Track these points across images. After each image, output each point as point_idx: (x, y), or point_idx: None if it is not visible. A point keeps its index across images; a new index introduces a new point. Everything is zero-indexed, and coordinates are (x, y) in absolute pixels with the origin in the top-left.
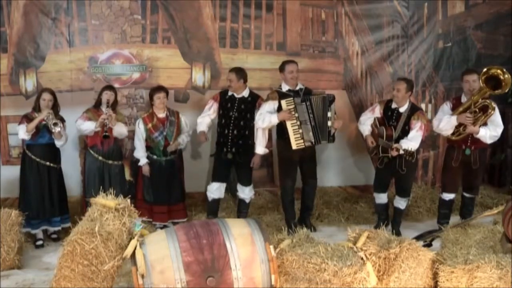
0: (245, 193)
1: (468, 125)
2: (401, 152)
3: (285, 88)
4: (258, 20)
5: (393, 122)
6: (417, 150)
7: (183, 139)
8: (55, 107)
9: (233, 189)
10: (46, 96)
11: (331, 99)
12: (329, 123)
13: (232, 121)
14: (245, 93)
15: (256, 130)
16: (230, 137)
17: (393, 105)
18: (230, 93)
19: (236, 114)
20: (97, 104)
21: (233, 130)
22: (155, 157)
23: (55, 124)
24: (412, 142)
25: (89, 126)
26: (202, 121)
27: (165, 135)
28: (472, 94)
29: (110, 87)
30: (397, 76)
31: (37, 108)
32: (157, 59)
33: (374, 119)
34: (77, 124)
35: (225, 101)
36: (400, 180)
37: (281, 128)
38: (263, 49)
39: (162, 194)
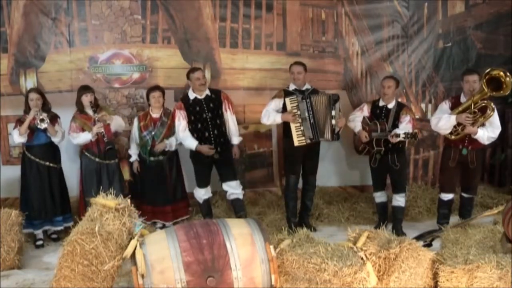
0: (235, 187)
1: (467, 125)
2: (402, 137)
3: (292, 87)
4: (258, 20)
5: (383, 118)
6: (417, 149)
7: (172, 141)
8: (45, 106)
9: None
10: (32, 96)
11: (335, 98)
12: (333, 122)
13: (209, 122)
14: (208, 92)
15: (228, 124)
16: (212, 138)
17: (381, 103)
18: (192, 97)
19: (210, 114)
20: (80, 107)
21: (213, 130)
22: (143, 156)
23: (42, 121)
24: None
25: (85, 138)
26: (186, 135)
27: (153, 135)
28: (472, 95)
29: (86, 88)
30: (397, 76)
31: (27, 110)
32: (157, 59)
33: (363, 117)
34: (71, 138)
35: (192, 106)
36: (394, 176)
37: (286, 126)
38: (263, 49)
39: (149, 193)
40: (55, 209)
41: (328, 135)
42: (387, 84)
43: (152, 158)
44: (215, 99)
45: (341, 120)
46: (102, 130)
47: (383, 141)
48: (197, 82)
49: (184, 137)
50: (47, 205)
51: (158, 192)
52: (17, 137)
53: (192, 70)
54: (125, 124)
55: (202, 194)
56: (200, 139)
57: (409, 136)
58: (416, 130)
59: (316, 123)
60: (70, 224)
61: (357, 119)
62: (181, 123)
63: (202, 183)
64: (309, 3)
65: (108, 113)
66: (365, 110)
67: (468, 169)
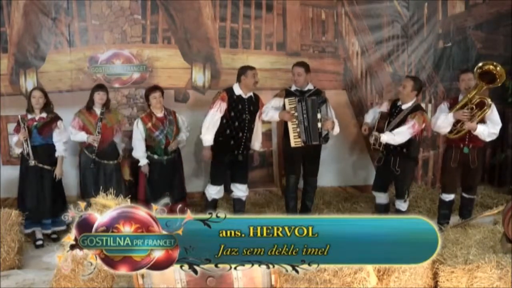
0: (243, 190)
1: (465, 121)
2: (372, 139)
3: (293, 88)
4: (258, 20)
5: (394, 118)
6: (417, 150)
7: (183, 137)
8: (47, 105)
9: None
10: (36, 94)
11: (320, 101)
12: (319, 125)
13: (246, 125)
14: (251, 93)
15: (256, 128)
16: (244, 140)
17: (399, 103)
18: (238, 93)
19: (249, 117)
20: (90, 105)
21: (247, 133)
22: (156, 156)
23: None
24: (395, 136)
25: (81, 139)
26: (208, 129)
27: (165, 134)
28: (468, 92)
29: (101, 87)
30: (397, 76)
31: (30, 109)
32: (157, 59)
33: (380, 112)
34: (69, 130)
35: (235, 102)
36: (396, 180)
37: (286, 126)
38: (263, 49)
39: (164, 193)
40: (44, 212)
41: (316, 138)
42: (403, 83)
43: (166, 157)
44: (255, 103)
45: (327, 122)
46: (96, 145)
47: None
48: (252, 79)
49: (209, 128)
50: (39, 207)
51: (174, 190)
52: (15, 149)
53: (251, 67)
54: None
55: (214, 192)
56: (232, 137)
57: (375, 140)
58: (381, 138)
59: (309, 127)
60: (61, 228)
61: (370, 112)
62: (215, 115)
63: (216, 181)
64: (309, 3)
65: (117, 117)
66: (384, 106)
67: (469, 169)
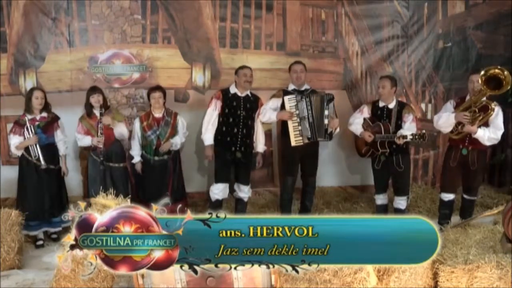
0: (245, 192)
1: (465, 123)
2: (409, 138)
3: (291, 87)
4: (258, 20)
5: (385, 119)
6: (417, 150)
7: (177, 140)
8: (46, 106)
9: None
10: (38, 94)
11: (329, 98)
12: (326, 121)
13: (241, 120)
14: (248, 92)
15: (257, 129)
16: (240, 136)
17: (381, 104)
18: (233, 91)
19: (244, 113)
20: (88, 109)
21: (243, 129)
22: (147, 156)
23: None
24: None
25: (87, 143)
26: (208, 129)
27: (158, 135)
28: (473, 94)
29: (93, 89)
30: (397, 76)
31: (30, 109)
32: (157, 59)
33: (364, 119)
34: (76, 137)
35: (230, 100)
36: (397, 178)
37: (284, 125)
38: (263, 49)
39: (153, 193)
40: (53, 210)
41: (321, 134)
42: (381, 84)
43: (156, 158)
44: (253, 102)
45: (334, 120)
46: (101, 146)
47: (387, 143)
48: (243, 78)
49: (208, 127)
50: (45, 206)
51: (161, 192)
52: (14, 149)
53: (242, 67)
54: (127, 132)
55: (217, 191)
56: (228, 133)
57: (416, 137)
58: (424, 131)
59: (314, 123)
60: (69, 224)
61: (356, 121)
62: (212, 114)
63: (220, 178)
64: (309, 3)
65: (118, 118)
66: (365, 112)
67: (469, 170)
